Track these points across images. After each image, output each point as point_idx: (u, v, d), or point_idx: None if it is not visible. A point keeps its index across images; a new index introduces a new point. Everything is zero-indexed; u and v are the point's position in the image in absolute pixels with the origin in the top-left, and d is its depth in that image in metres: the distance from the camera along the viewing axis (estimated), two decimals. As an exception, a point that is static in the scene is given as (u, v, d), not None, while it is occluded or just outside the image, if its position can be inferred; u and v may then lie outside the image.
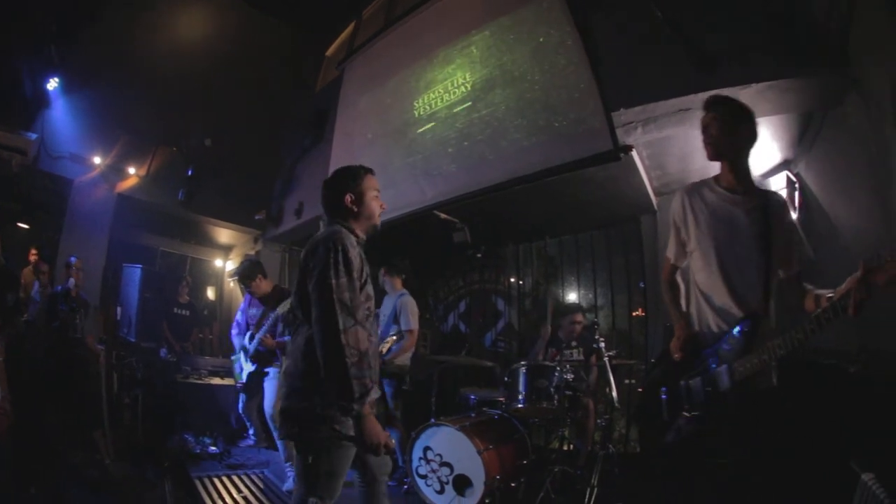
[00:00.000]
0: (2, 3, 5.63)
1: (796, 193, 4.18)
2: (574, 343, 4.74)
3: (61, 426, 4.22)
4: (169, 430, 5.08)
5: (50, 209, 6.58)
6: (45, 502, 3.55)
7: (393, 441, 2.08)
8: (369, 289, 2.21)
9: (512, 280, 7.55)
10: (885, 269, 1.68)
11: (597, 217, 6.15)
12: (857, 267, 1.76)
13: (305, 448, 2.01)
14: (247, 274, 4.65)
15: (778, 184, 4.33)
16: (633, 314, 6.11)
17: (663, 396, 2.21)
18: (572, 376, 3.99)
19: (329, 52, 9.09)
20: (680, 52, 3.73)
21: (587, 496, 3.44)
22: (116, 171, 7.14)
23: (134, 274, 6.87)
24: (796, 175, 4.23)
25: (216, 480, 4.13)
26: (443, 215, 4.31)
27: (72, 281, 5.16)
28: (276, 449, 4.34)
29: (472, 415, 4.19)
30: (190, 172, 7.50)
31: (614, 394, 3.81)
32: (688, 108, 3.91)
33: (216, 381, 5.61)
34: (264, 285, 4.69)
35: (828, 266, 3.22)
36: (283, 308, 4.34)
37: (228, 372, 5.64)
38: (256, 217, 8.27)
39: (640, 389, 3.94)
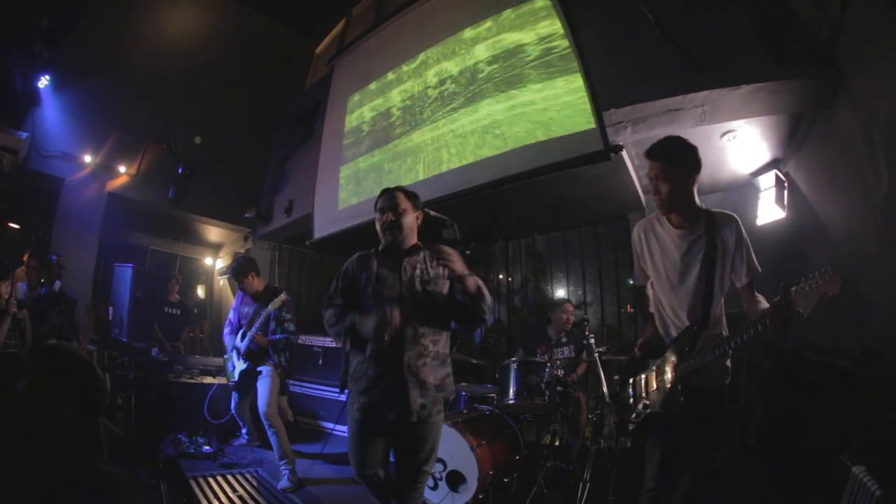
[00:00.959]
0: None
1: (785, 192, 4.26)
2: (564, 339, 4.78)
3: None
4: (162, 429, 5.06)
5: (41, 209, 6.52)
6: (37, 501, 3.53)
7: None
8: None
9: (501, 277, 7.58)
10: (807, 295, 1.81)
11: (586, 214, 6.22)
12: (842, 265, 1.92)
13: None
14: (240, 270, 4.62)
15: (767, 182, 4.41)
16: (623, 311, 6.17)
17: (631, 390, 2.49)
18: (563, 372, 4.03)
19: (319, 49, 9.08)
20: (670, 54, 3.78)
21: (580, 491, 3.49)
22: (107, 169, 7.10)
23: (125, 273, 6.82)
24: (785, 174, 4.30)
25: (211, 480, 4.12)
26: (432, 213, 4.33)
27: (58, 283, 5.12)
28: (269, 448, 4.33)
29: (464, 411, 4.22)
30: (180, 170, 7.47)
31: (605, 389, 3.87)
32: (677, 109, 3.97)
33: (208, 379, 5.59)
34: (257, 283, 4.67)
35: (816, 264, 3.28)
36: (275, 306, 4.35)
37: (220, 370, 5.62)
38: (246, 215, 8.25)
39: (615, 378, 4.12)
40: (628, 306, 5.99)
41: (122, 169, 7.18)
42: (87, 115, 6.82)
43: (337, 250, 8.19)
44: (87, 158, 6.86)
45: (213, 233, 9.36)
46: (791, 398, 2.97)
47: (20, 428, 1.52)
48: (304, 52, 9.17)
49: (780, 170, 4.34)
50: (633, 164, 4.76)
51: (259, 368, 4.45)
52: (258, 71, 8.53)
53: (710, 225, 2.28)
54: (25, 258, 5.40)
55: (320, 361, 6.22)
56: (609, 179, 4.96)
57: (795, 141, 4.14)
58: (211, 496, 3.82)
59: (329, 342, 6.23)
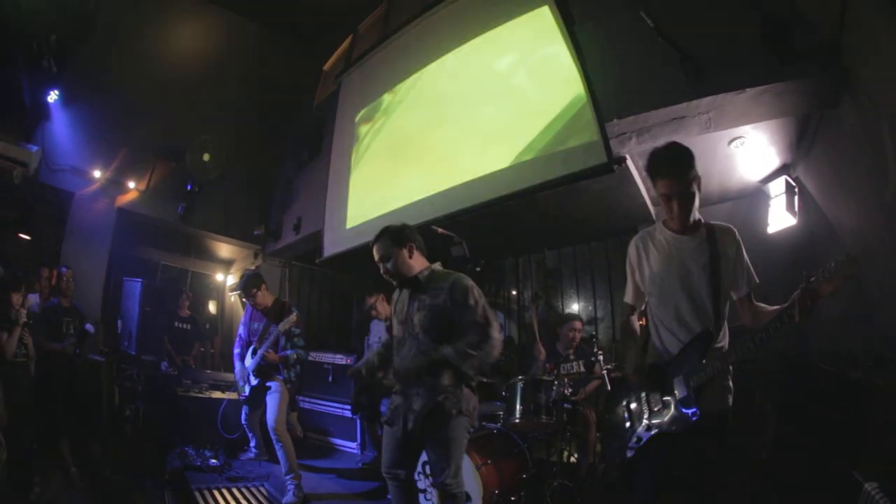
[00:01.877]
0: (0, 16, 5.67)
1: (795, 198, 4.17)
2: (572, 356, 4.72)
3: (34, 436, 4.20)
4: (170, 442, 5.08)
5: (51, 221, 6.61)
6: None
7: None
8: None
9: (513, 293, 7.52)
10: (829, 280, 1.84)
11: (595, 228, 6.13)
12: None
13: None
14: (247, 286, 4.71)
15: (777, 189, 4.32)
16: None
17: (625, 413, 2.40)
18: (571, 390, 3.97)
19: (327, 66, 9.17)
20: (672, 61, 3.75)
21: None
22: (116, 184, 7.17)
23: (134, 287, 6.88)
24: (795, 179, 4.22)
25: (216, 493, 4.12)
26: (440, 230, 4.32)
27: (90, 326, 5.25)
28: (276, 462, 4.33)
29: (472, 429, 4.18)
30: (189, 187, 7.54)
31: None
32: (682, 117, 3.92)
33: (217, 394, 5.61)
34: (265, 298, 4.73)
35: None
36: (285, 326, 4.43)
37: (230, 385, 5.65)
38: (255, 232, 8.29)
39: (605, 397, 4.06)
40: (642, 320, 5.90)
41: (131, 184, 7.25)
42: (97, 131, 6.91)
43: (347, 268, 8.21)
44: (97, 173, 6.93)
45: (224, 249, 9.41)
46: (803, 411, 2.88)
47: None
48: (313, 69, 9.27)
49: (789, 175, 4.26)
50: (640, 176, 4.71)
51: (268, 384, 4.48)
52: (268, 88, 8.62)
53: (710, 233, 2.28)
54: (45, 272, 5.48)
55: (330, 378, 6.22)
56: (616, 191, 4.91)
57: (804, 145, 4.06)
58: (216, 509, 3.82)
59: (339, 359, 6.23)
